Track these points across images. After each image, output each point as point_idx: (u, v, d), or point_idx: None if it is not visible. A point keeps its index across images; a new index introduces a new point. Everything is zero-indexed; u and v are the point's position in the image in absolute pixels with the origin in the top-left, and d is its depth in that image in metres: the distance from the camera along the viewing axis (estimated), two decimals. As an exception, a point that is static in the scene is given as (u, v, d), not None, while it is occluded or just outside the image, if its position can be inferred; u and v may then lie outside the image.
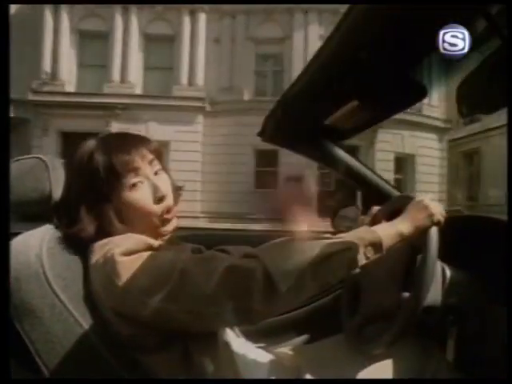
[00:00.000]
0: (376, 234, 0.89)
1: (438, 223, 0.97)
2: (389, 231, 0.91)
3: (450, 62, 0.89)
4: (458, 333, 1.03)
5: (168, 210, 0.96)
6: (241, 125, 15.79)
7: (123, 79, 16.62)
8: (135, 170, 0.93)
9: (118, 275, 0.80)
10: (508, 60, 0.76)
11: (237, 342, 1.03)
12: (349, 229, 0.94)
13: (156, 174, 0.97)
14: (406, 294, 1.01)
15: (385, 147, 15.76)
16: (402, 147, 16.37)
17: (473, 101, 0.95)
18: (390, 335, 1.01)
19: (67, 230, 0.93)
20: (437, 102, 16.62)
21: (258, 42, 16.94)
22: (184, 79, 16.69)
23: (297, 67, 16.17)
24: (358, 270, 1.14)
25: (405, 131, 15.92)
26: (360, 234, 0.89)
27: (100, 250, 0.86)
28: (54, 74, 16.24)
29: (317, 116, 1.43)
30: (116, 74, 16.62)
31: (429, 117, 16.47)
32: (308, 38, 16.60)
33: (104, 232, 0.91)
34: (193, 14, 16.73)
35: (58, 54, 16.26)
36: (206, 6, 16.56)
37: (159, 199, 0.94)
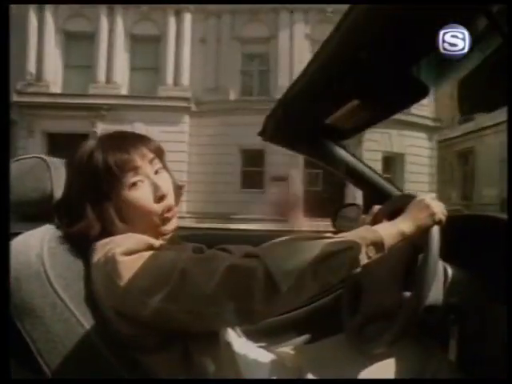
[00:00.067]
0: (377, 233, 0.89)
1: (439, 222, 0.97)
2: (390, 230, 0.92)
3: (450, 62, 0.90)
4: (459, 332, 1.03)
5: (169, 209, 0.96)
6: (227, 125, 15.87)
7: (109, 80, 16.65)
8: (135, 169, 0.93)
9: (119, 275, 0.79)
10: (508, 59, 0.76)
11: (238, 341, 1.03)
12: (350, 228, 0.94)
13: (156, 172, 0.97)
14: (408, 294, 1.02)
15: (372, 146, 15.68)
16: (391, 146, 16.35)
17: (473, 100, 0.96)
18: (391, 335, 1.01)
19: (68, 230, 0.93)
20: (426, 101, 16.58)
21: (243, 42, 16.98)
22: (170, 79, 16.73)
23: (283, 66, 16.34)
24: (358, 270, 1.14)
25: (393, 130, 15.85)
26: (361, 234, 0.89)
27: (101, 249, 0.86)
28: (39, 75, 16.25)
29: (317, 116, 1.43)
30: (101, 75, 16.64)
31: (418, 115, 16.40)
32: (294, 37, 16.65)
33: (105, 231, 0.91)
34: (178, 14, 16.77)
35: (42, 54, 16.25)
36: (191, 6, 16.60)
37: (160, 198, 0.94)
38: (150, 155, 0.97)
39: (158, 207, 0.94)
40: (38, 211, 0.98)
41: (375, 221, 1.11)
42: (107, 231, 0.91)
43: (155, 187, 0.94)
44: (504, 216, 1.11)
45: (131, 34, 16.86)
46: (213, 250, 0.97)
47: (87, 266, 0.88)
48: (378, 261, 0.89)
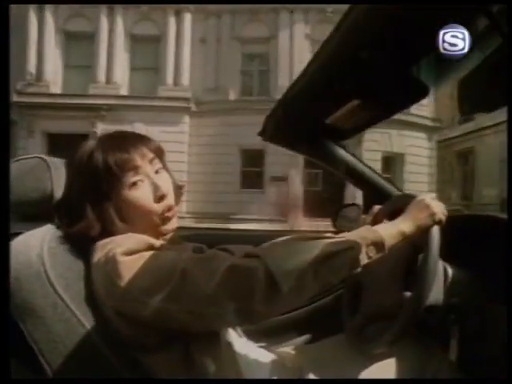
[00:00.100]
0: (378, 233, 0.89)
1: (439, 222, 0.97)
2: (390, 230, 0.92)
3: (450, 62, 0.90)
4: (459, 332, 1.03)
5: (169, 209, 0.96)
6: (227, 125, 15.87)
7: (109, 80, 16.64)
8: (135, 169, 0.93)
9: (119, 275, 0.79)
10: (509, 59, 0.76)
11: (238, 341, 1.03)
12: (350, 228, 0.94)
13: (157, 172, 0.97)
14: (408, 294, 1.02)
15: (372, 146, 15.64)
16: (390, 146, 16.31)
17: (473, 100, 0.96)
18: (391, 335, 1.01)
19: (68, 230, 0.92)
20: (426, 101, 16.56)
21: (243, 42, 16.96)
22: (170, 79, 16.72)
23: (283, 66, 16.31)
24: (359, 270, 1.14)
25: (393, 130, 15.81)
26: (362, 234, 0.89)
27: (101, 249, 0.86)
28: (39, 75, 16.23)
29: (317, 116, 1.43)
30: (101, 75, 16.63)
31: (417, 115, 16.35)
32: (294, 37, 16.63)
33: (105, 231, 0.91)
34: (178, 15, 16.77)
35: (42, 54, 16.24)
36: (191, 6, 16.58)
37: (160, 198, 0.94)
38: (150, 155, 0.97)
39: (158, 207, 0.94)
40: (39, 211, 0.98)
41: (375, 221, 1.12)
42: (107, 231, 0.91)
43: (155, 187, 0.94)
44: (504, 216, 1.11)
45: (131, 33, 16.86)
46: (213, 250, 0.97)
47: (88, 265, 0.88)
48: (378, 261, 0.89)
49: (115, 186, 0.92)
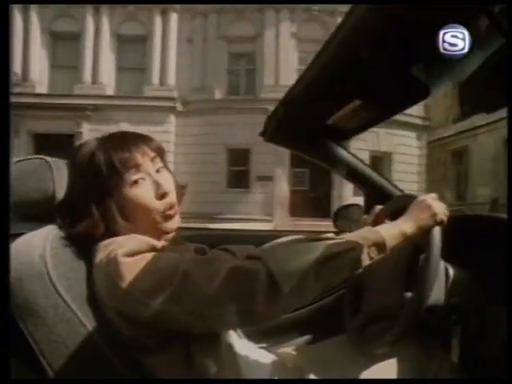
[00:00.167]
0: (379, 234, 0.89)
1: (440, 223, 0.97)
2: (392, 231, 0.91)
3: (450, 62, 0.90)
4: (461, 332, 1.03)
5: (171, 207, 0.96)
6: (213, 124, 15.82)
7: (95, 80, 16.59)
8: (136, 167, 0.93)
9: (121, 276, 0.79)
10: (509, 60, 0.76)
11: (239, 342, 1.03)
12: (351, 228, 0.94)
13: (158, 171, 0.97)
14: (409, 294, 1.02)
15: (359, 145, 15.15)
16: (378, 145, 16.09)
17: (474, 100, 0.96)
18: (393, 335, 1.01)
19: (70, 230, 0.92)
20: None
21: (230, 41, 16.88)
22: (155, 79, 16.68)
23: (269, 65, 16.28)
24: (360, 270, 1.14)
25: (381, 129, 15.37)
26: (363, 235, 0.89)
27: (103, 250, 0.86)
28: (25, 76, 16.14)
29: (319, 116, 1.43)
30: (87, 75, 16.59)
31: (406, 114, 15.78)
32: (280, 35, 16.55)
33: (107, 230, 0.91)
34: (164, 14, 16.72)
35: (28, 54, 16.15)
36: (177, 6, 16.55)
37: (161, 195, 0.94)
38: (151, 154, 0.97)
39: (159, 205, 0.94)
40: (40, 212, 0.98)
41: (377, 221, 1.11)
42: (110, 230, 0.91)
43: (157, 185, 0.94)
44: (504, 216, 1.11)
45: (117, 33, 16.80)
46: (215, 251, 0.97)
47: (89, 266, 0.88)
48: (379, 261, 0.89)
49: (117, 185, 0.92)
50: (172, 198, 0.97)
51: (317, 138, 1.58)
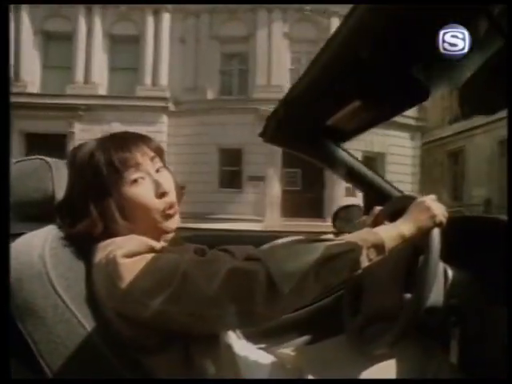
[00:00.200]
0: (378, 235, 0.89)
1: (440, 224, 0.97)
2: (391, 233, 0.91)
3: (450, 62, 0.90)
4: (460, 333, 1.03)
5: (170, 206, 0.96)
6: (205, 124, 15.78)
7: (87, 80, 16.54)
8: (136, 166, 0.93)
9: (120, 277, 0.79)
10: (509, 61, 0.76)
11: (238, 343, 1.03)
12: (350, 230, 0.94)
13: (158, 171, 0.97)
14: (408, 295, 1.02)
15: (352, 146, 15.19)
16: (371, 146, 15.76)
17: (474, 102, 0.96)
18: (392, 336, 1.01)
19: (70, 230, 0.92)
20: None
21: (222, 41, 16.82)
22: (148, 79, 16.64)
23: (261, 65, 16.24)
24: (359, 271, 1.14)
25: (374, 129, 15.29)
26: (362, 236, 0.89)
27: (102, 250, 0.86)
28: (17, 75, 16.03)
29: (319, 116, 1.43)
30: (80, 75, 16.54)
31: (400, 114, 15.87)
32: (272, 35, 16.49)
33: (107, 229, 0.90)
34: (157, 14, 16.66)
35: (20, 54, 16.05)
36: (169, 6, 16.50)
37: (161, 194, 0.94)
38: (151, 153, 0.97)
39: (159, 203, 0.94)
40: (40, 212, 0.98)
41: (376, 222, 1.12)
42: (109, 230, 0.90)
43: (156, 184, 0.94)
44: (504, 217, 1.10)
45: (110, 33, 16.75)
46: (215, 252, 0.97)
47: (89, 267, 0.88)
48: (378, 262, 0.89)
49: (116, 184, 0.92)
50: (172, 197, 0.97)
51: (316, 138, 1.58)
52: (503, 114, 0.87)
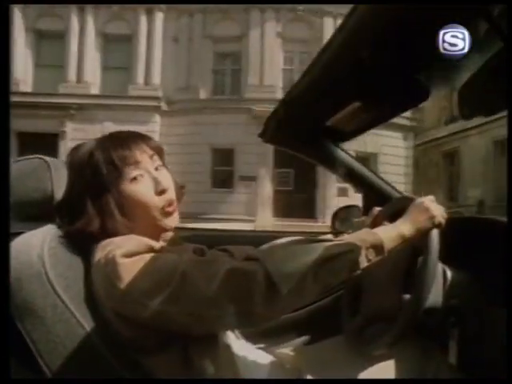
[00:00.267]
0: (377, 236, 0.89)
1: (438, 225, 0.97)
2: (390, 233, 0.92)
3: (450, 63, 0.90)
4: (459, 334, 1.03)
5: (169, 204, 0.96)
6: (198, 124, 15.76)
7: (79, 79, 16.48)
8: (135, 164, 0.94)
9: (119, 277, 0.79)
10: (508, 62, 0.76)
11: (237, 343, 1.03)
12: (349, 230, 0.94)
13: (157, 169, 0.98)
14: (407, 296, 1.02)
15: (345, 146, 15.14)
16: (364, 146, 15.39)
17: (474, 103, 0.96)
18: (391, 336, 1.01)
19: (69, 228, 0.92)
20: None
21: (215, 41, 16.78)
22: (140, 79, 16.59)
23: (254, 65, 16.22)
24: (358, 272, 1.14)
25: None
26: (361, 236, 0.89)
27: (101, 250, 0.86)
28: None
29: (318, 117, 1.43)
30: (72, 74, 16.48)
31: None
32: (265, 35, 16.46)
33: (107, 227, 0.90)
34: (150, 13, 16.60)
35: (12, 53, 15.62)
36: (162, 5, 16.45)
37: (160, 192, 0.94)
38: (150, 152, 0.97)
39: (158, 201, 0.94)
40: (39, 211, 0.98)
41: (375, 222, 1.12)
42: (109, 228, 0.90)
43: (156, 181, 0.95)
44: (503, 219, 1.11)
45: (102, 32, 16.69)
46: (214, 252, 0.97)
47: (88, 266, 0.88)
48: (377, 263, 0.89)
49: (116, 181, 0.92)
50: (171, 194, 0.97)
51: (316, 139, 1.58)
52: (499, 114, 0.87)
